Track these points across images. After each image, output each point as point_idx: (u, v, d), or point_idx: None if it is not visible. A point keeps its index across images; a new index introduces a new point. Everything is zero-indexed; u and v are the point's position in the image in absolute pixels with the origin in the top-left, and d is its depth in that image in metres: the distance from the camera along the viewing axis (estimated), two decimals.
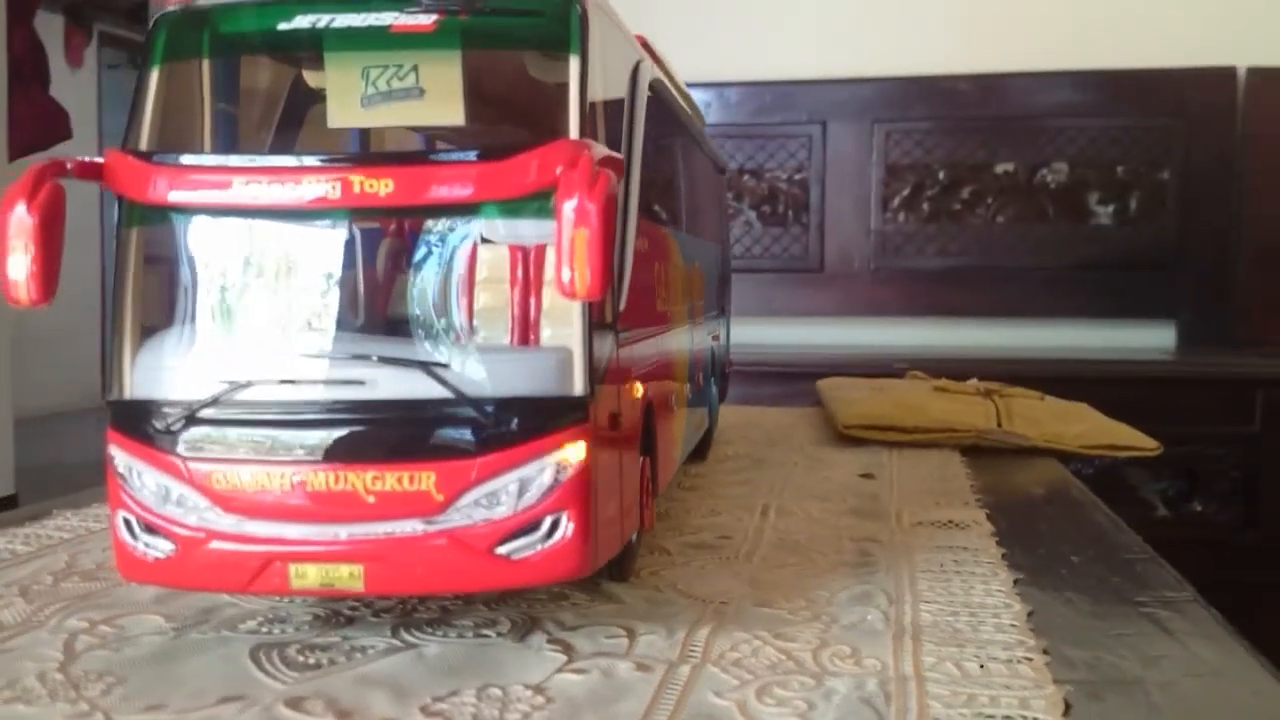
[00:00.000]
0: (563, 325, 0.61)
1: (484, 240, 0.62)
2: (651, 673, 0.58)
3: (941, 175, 2.73)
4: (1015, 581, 0.75)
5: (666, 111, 0.89)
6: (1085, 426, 1.32)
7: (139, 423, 0.60)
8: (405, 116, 0.66)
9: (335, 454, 0.58)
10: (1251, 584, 1.97)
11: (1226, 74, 2.59)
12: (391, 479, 0.57)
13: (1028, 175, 2.70)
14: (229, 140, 0.69)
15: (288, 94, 0.74)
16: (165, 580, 0.62)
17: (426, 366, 0.58)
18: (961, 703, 0.54)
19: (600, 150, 0.58)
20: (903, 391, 1.46)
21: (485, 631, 0.65)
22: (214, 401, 0.59)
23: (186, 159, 0.60)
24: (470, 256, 0.62)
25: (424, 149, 0.62)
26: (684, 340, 0.95)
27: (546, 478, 0.58)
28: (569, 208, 0.54)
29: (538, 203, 0.58)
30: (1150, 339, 2.63)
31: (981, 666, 0.59)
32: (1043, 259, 2.68)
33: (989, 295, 2.69)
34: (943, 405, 1.35)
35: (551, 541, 0.59)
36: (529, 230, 0.62)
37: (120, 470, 0.61)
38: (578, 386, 0.59)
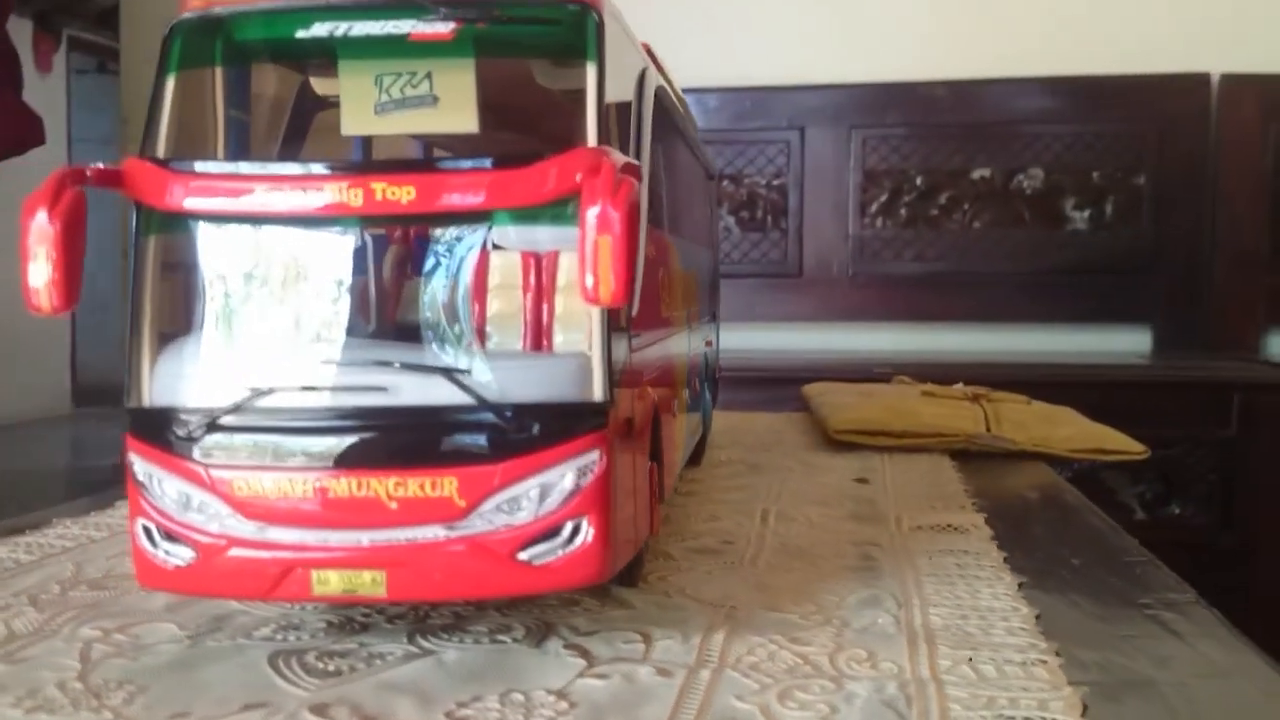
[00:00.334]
0: (583, 331, 0.61)
1: (503, 247, 0.63)
2: (672, 677, 0.59)
3: (919, 181, 2.75)
4: (1019, 585, 0.75)
5: (668, 118, 0.89)
6: (1072, 430, 1.33)
7: (159, 430, 0.60)
8: (419, 124, 0.66)
9: (358, 460, 0.58)
10: (1229, 586, 1.98)
11: (1200, 80, 2.62)
12: (414, 485, 0.58)
13: (1004, 181, 2.72)
14: (242, 147, 0.69)
15: (295, 100, 0.74)
16: (186, 588, 0.62)
17: (449, 373, 0.59)
18: (982, 705, 0.55)
19: (620, 157, 0.58)
20: (891, 396, 1.47)
21: (501, 637, 0.65)
22: (235, 408, 0.59)
23: (207, 166, 0.60)
24: (490, 263, 0.63)
25: (446, 156, 0.62)
26: (683, 345, 0.95)
27: (568, 483, 0.59)
28: (592, 214, 0.54)
29: (557, 209, 0.58)
30: (1126, 343, 2.65)
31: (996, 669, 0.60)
32: (1019, 264, 2.70)
33: (967, 300, 2.71)
34: (932, 410, 1.36)
35: (572, 547, 0.59)
36: (547, 237, 0.62)
37: (140, 478, 0.60)
38: (598, 392, 0.59)
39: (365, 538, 0.58)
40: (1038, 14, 2.71)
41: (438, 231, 0.62)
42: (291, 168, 0.59)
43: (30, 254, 0.55)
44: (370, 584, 0.59)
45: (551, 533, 0.59)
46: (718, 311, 1.35)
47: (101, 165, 0.59)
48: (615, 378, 0.60)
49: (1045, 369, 2.34)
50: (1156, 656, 0.63)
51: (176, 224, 0.61)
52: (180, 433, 0.59)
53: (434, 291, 0.61)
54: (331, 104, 0.75)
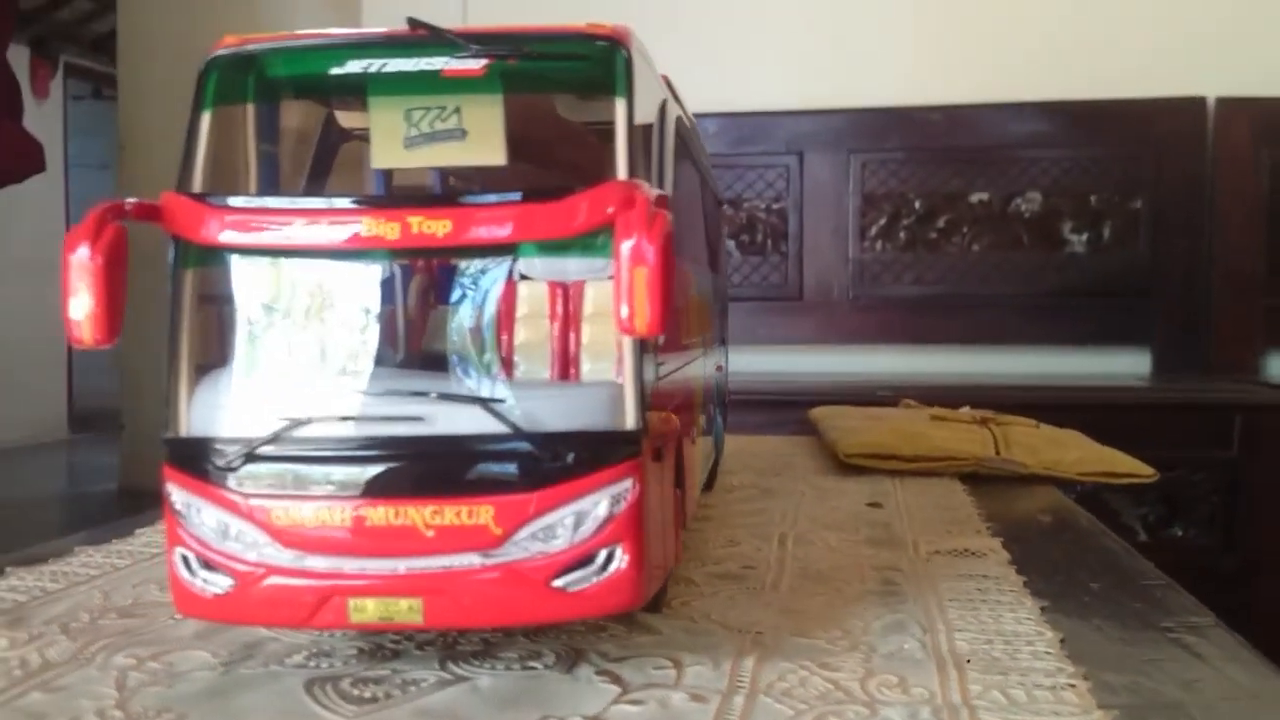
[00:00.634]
0: (610, 360, 0.62)
1: (532, 277, 0.65)
2: (707, 703, 0.59)
3: (917, 204, 2.77)
4: (1041, 609, 0.76)
5: (684, 147, 0.90)
6: (1082, 453, 1.34)
7: (197, 460, 0.60)
8: (447, 157, 0.67)
9: (395, 489, 0.58)
10: (1232, 608, 1.99)
11: (1196, 104, 2.65)
12: (450, 513, 0.58)
13: (1002, 204, 2.74)
14: (272, 180, 0.70)
15: (320, 133, 0.75)
16: (223, 616, 0.62)
17: (485, 402, 0.59)
18: None
19: (652, 190, 0.59)
20: (900, 420, 1.48)
21: (532, 664, 0.66)
22: (273, 438, 0.59)
23: (244, 200, 0.61)
24: (519, 293, 0.64)
25: (479, 190, 0.63)
26: (699, 371, 0.96)
27: (602, 511, 0.59)
28: (628, 247, 0.55)
29: (587, 240, 0.59)
30: (1125, 365, 2.67)
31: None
32: (1018, 287, 2.72)
33: (966, 323, 2.72)
34: (942, 433, 1.36)
35: (607, 574, 0.60)
36: (576, 267, 0.64)
37: (178, 507, 0.61)
38: (631, 420, 0.60)
39: (402, 565, 0.59)
40: (1034, 39, 2.74)
41: (470, 263, 0.63)
42: (328, 202, 0.60)
43: (72, 288, 0.56)
44: (407, 611, 0.59)
45: (586, 560, 0.59)
46: (727, 336, 1.36)
47: (138, 200, 0.60)
48: (647, 405, 0.61)
49: (1046, 391, 2.35)
50: (1183, 680, 0.64)
51: (214, 257, 0.62)
52: (219, 463, 0.60)
53: (467, 322, 0.62)
54: (355, 137, 0.76)
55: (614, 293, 0.55)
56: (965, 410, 1.50)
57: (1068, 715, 0.57)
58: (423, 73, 0.63)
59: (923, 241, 2.76)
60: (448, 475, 0.59)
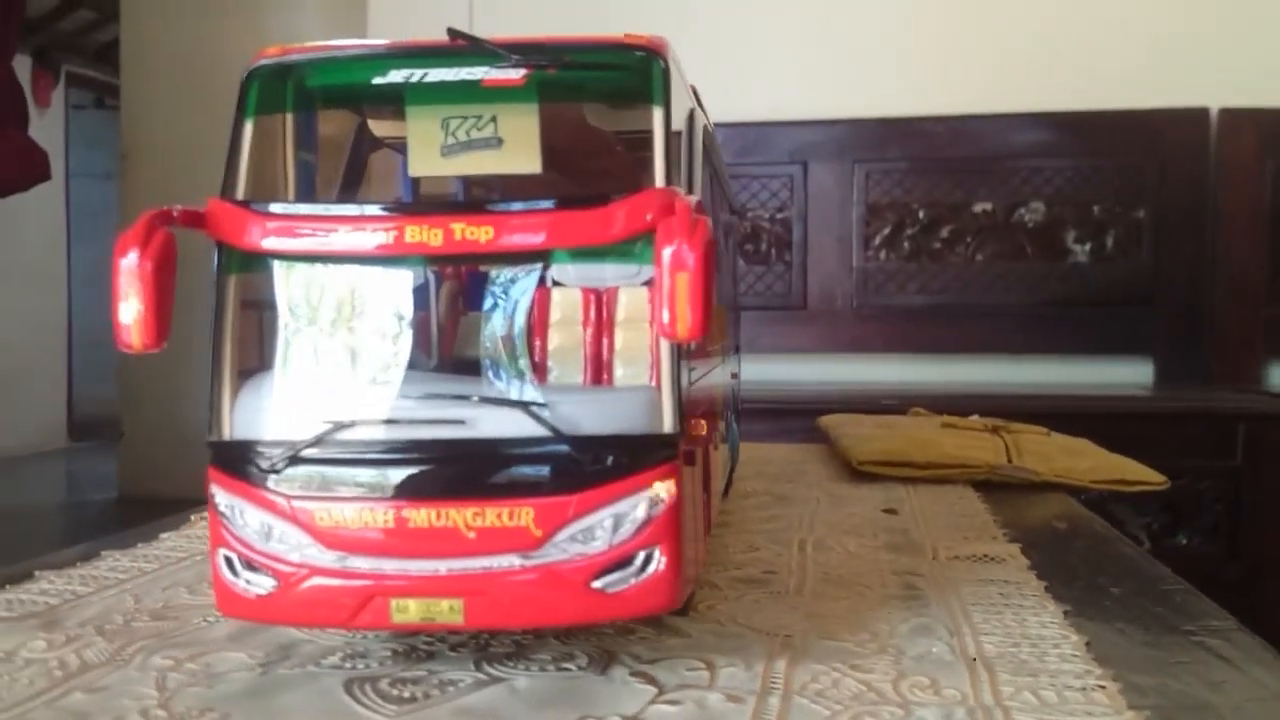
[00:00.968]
0: (644, 364, 0.63)
1: (568, 284, 0.66)
2: (743, 704, 0.60)
3: (921, 214, 2.78)
4: (1064, 613, 0.77)
5: (708, 156, 0.91)
6: (1094, 461, 1.35)
7: (241, 463, 0.61)
8: (483, 165, 0.68)
9: (437, 491, 0.59)
10: (1237, 615, 2.00)
11: (1199, 114, 2.66)
12: (491, 515, 0.59)
13: (1006, 214, 2.75)
14: (310, 188, 0.71)
15: (354, 141, 0.76)
16: (265, 616, 0.63)
17: (526, 406, 0.60)
18: None
19: (690, 197, 0.60)
20: (912, 428, 1.49)
21: (566, 665, 0.67)
22: (317, 441, 0.60)
23: (288, 207, 0.62)
24: (557, 300, 0.65)
25: (524, 197, 0.64)
26: (720, 377, 0.97)
27: (640, 513, 0.60)
28: (669, 253, 0.56)
29: (624, 246, 0.60)
30: (1128, 374, 2.68)
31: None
32: (1022, 296, 2.73)
33: (970, 332, 2.73)
34: (954, 441, 1.37)
35: (645, 575, 0.60)
36: (614, 273, 0.65)
37: (222, 509, 0.62)
38: (668, 424, 0.61)
39: (443, 566, 0.60)
40: (1037, 49, 2.75)
41: (507, 269, 0.64)
42: (372, 208, 0.61)
43: (121, 294, 0.57)
44: (448, 612, 0.60)
45: (624, 562, 0.60)
46: (739, 344, 1.37)
47: (184, 207, 0.60)
48: (683, 409, 0.62)
49: (1050, 400, 2.36)
50: (1210, 682, 0.65)
51: (257, 263, 0.63)
52: (262, 465, 0.61)
53: (506, 327, 0.63)
54: (386, 145, 0.77)
55: (653, 298, 0.56)
56: (975, 418, 1.51)
57: (1100, 716, 0.58)
58: (461, 82, 0.64)
59: (926, 251, 2.77)
60: (489, 478, 0.60)
